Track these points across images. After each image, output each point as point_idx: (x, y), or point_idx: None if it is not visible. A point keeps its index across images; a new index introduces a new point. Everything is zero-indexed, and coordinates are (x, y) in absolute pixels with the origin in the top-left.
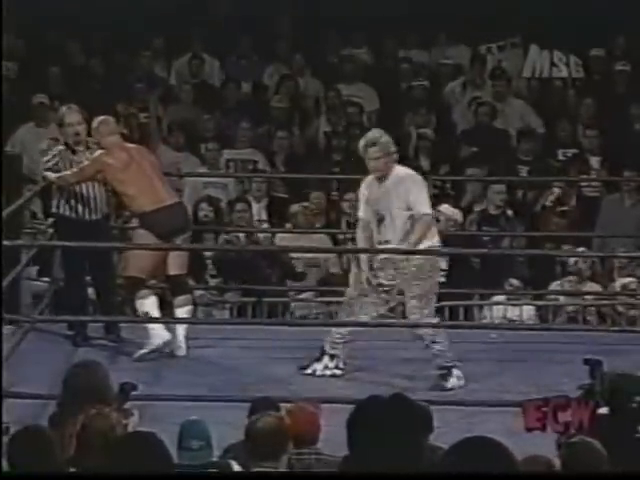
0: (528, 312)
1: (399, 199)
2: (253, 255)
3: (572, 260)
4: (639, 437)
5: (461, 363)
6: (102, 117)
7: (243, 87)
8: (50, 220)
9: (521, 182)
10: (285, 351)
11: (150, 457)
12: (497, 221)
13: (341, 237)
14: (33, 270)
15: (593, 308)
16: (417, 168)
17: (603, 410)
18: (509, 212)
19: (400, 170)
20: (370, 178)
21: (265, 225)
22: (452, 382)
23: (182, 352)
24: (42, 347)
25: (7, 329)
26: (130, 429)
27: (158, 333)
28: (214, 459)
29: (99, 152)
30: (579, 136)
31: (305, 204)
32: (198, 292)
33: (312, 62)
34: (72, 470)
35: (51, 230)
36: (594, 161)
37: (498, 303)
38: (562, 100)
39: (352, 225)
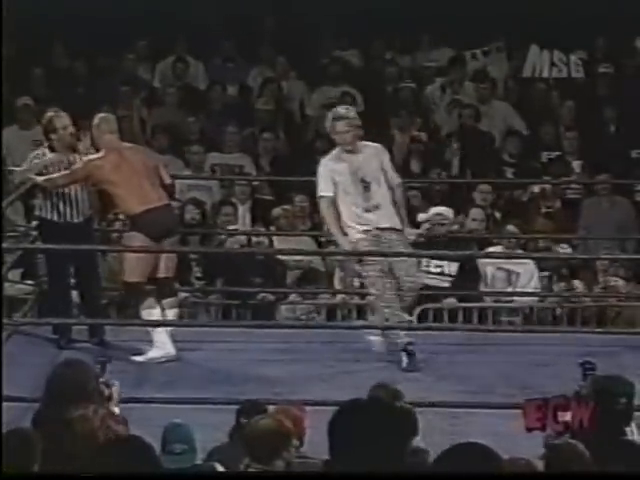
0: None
1: (381, 166)
2: (239, 257)
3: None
4: (625, 439)
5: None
6: (104, 114)
7: (229, 90)
8: (33, 223)
9: (505, 184)
10: (270, 353)
11: (138, 462)
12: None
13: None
14: (17, 273)
15: (579, 309)
16: (408, 171)
17: None
18: (496, 214)
19: (365, 142)
20: (333, 155)
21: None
22: None
23: (173, 352)
24: (26, 350)
25: None
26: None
27: (164, 346)
28: (198, 462)
29: (91, 155)
30: (562, 138)
31: (286, 207)
32: (183, 294)
33: (297, 64)
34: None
35: (34, 233)
36: (575, 164)
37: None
38: (545, 102)
39: None
